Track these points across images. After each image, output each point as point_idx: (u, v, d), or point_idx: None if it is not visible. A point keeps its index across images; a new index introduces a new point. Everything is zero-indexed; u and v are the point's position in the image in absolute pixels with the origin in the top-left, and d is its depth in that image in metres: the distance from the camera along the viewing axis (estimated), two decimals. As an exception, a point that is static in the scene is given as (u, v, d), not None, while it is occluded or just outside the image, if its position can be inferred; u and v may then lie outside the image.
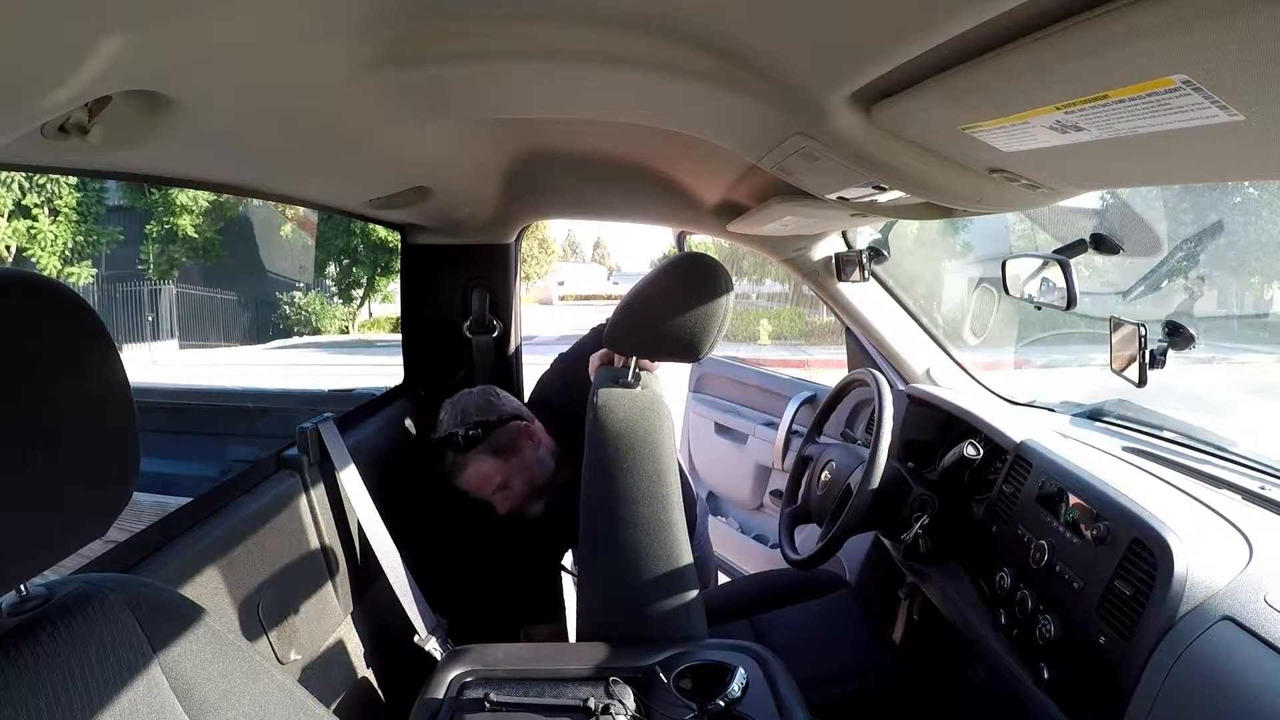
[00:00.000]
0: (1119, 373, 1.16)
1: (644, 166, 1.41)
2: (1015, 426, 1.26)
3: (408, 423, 1.52)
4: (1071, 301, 1.14)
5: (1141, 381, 1.11)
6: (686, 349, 1.09)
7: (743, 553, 2.27)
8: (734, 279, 1.11)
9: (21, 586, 0.53)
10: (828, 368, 5.74)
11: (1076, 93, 0.46)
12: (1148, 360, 1.10)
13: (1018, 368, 5.38)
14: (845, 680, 1.35)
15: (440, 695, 0.94)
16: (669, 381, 1.24)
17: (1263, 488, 0.99)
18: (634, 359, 1.14)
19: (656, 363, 1.22)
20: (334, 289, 15.50)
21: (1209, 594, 0.77)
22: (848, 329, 1.80)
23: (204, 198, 12.26)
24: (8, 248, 10.75)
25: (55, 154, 0.61)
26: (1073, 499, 0.99)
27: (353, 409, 1.39)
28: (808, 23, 0.53)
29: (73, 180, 10.91)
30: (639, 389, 1.10)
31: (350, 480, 1.16)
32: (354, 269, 14.86)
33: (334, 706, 1.06)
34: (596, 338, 1.47)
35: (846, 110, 0.66)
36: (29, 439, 0.46)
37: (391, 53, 0.63)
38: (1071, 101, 0.47)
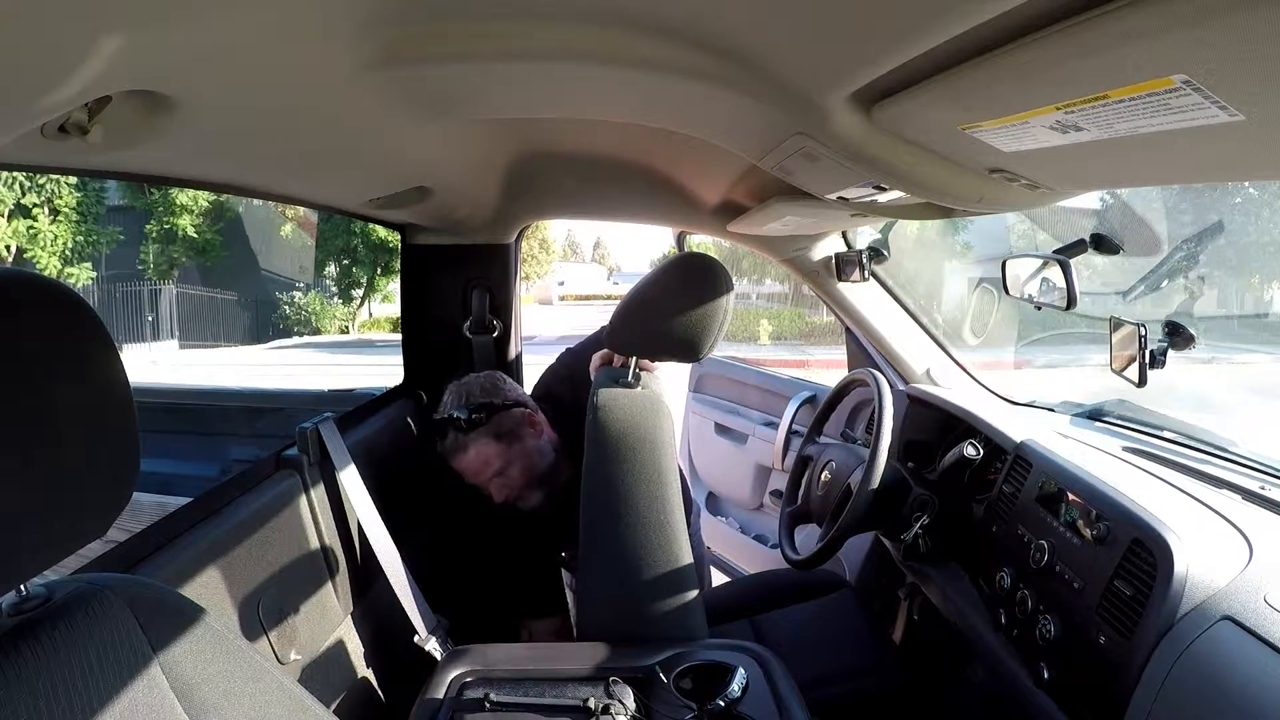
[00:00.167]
0: (1119, 373, 1.16)
1: (644, 166, 1.41)
2: (1015, 426, 1.26)
3: (408, 423, 1.52)
4: (1071, 301, 1.14)
5: (1141, 381, 1.11)
6: (686, 349, 1.09)
7: (743, 553, 2.27)
8: (734, 279, 1.11)
9: (21, 586, 0.53)
10: (828, 368, 5.74)
11: (1076, 93, 0.46)
12: (1148, 360, 1.10)
13: (1018, 368, 5.38)
14: (845, 680, 1.35)
15: (440, 695, 0.94)
16: (669, 381, 1.23)
17: (1263, 488, 0.99)
18: (634, 359, 1.14)
19: (656, 363, 1.22)
20: (334, 289, 15.50)
21: (1209, 594, 0.77)
22: (848, 329, 1.80)
23: (204, 198, 12.26)
24: (7, 247, 10.75)
25: (55, 154, 0.61)
26: (1073, 499, 0.99)
27: (353, 409, 1.39)
28: (808, 23, 0.53)
29: (73, 180, 10.91)
30: (639, 389, 1.10)
31: (350, 480, 1.16)
32: (354, 269, 14.87)
33: (334, 706, 1.06)
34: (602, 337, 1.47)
35: (846, 110, 0.66)
36: (29, 439, 0.46)
37: (391, 53, 0.63)
38: (1071, 101, 0.47)
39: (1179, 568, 0.78)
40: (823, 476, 1.39)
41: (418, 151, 1.00)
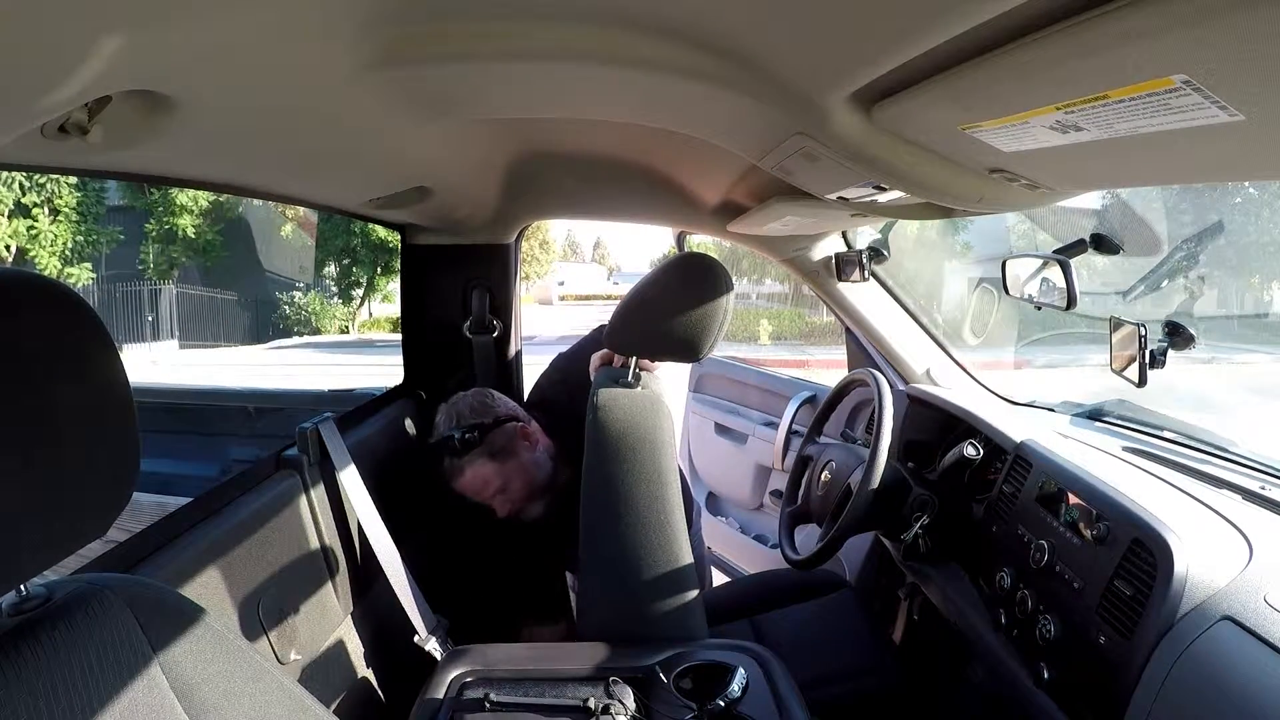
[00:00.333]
0: (1119, 373, 1.16)
1: (644, 166, 1.41)
2: (1015, 426, 1.26)
3: (408, 423, 1.52)
4: (1071, 301, 1.14)
5: (1141, 381, 1.11)
6: (686, 349, 1.09)
7: (743, 553, 2.27)
8: (734, 279, 1.11)
9: (21, 586, 0.53)
10: (828, 368, 5.74)
11: (1076, 93, 0.46)
12: (1148, 360, 1.10)
13: (1018, 368, 5.38)
14: (845, 680, 1.35)
15: (440, 695, 0.94)
16: (669, 381, 1.23)
17: (1263, 488, 0.99)
18: (634, 359, 1.14)
19: (656, 363, 1.22)
20: (334, 289, 15.51)
21: (1209, 594, 0.77)
22: (848, 329, 1.80)
23: (204, 198, 12.26)
24: (7, 247, 10.75)
25: (55, 154, 0.61)
26: (1073, 499, 0.99)
27: (353, 409, 1.39)
28: (808, 23, 0.53)
29: (73, 180, 10.91)
30: (639, 389, 1.10)
31: (350, 480, 1.16)
32: (354, 269, 14.87)
33: (334, 706, 1.06)
34: (597, 338, 1.47)
35: (846, 110, 0.66)
36: (29, 439, 0.46)
37: (391, 53, 0.63)
38: (1071, 101, 0.47)
39: (1179, 568, 0.78)
40: (823, 476, 1.39)
41: (418, 151, 1.00)
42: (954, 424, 1.45)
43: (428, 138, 0.93)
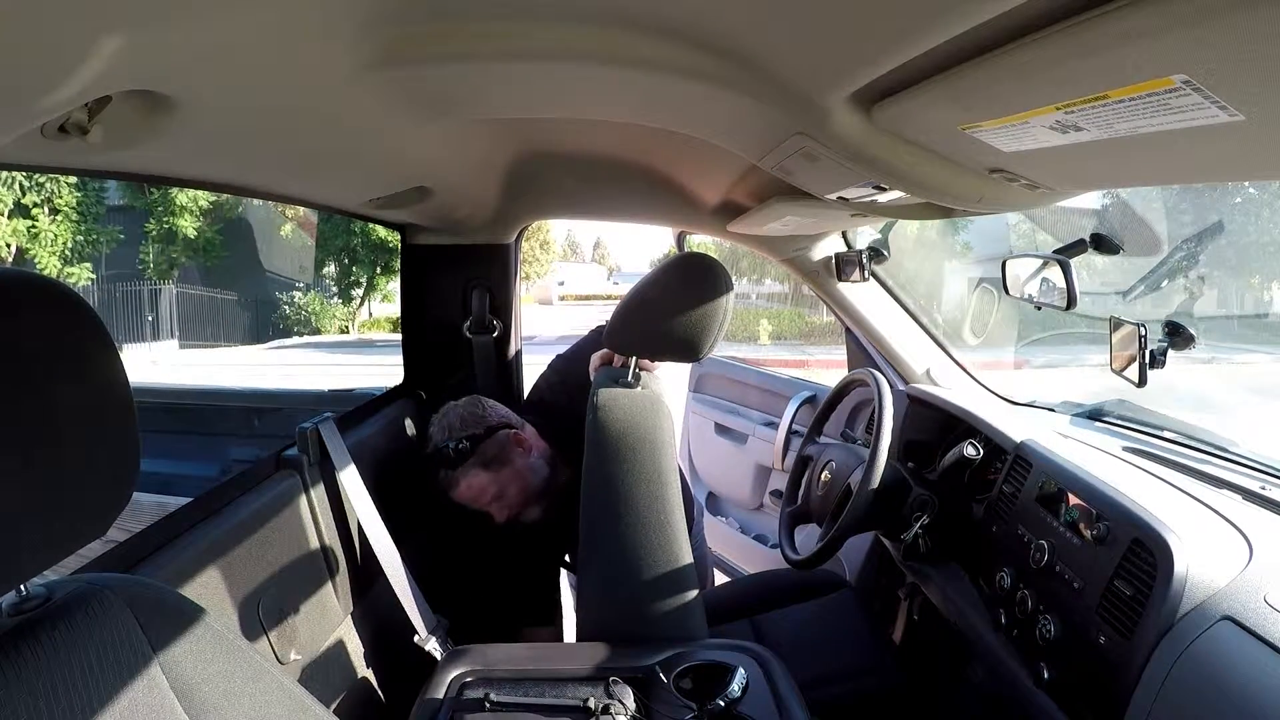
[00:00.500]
0: (1119, 373, 1.16)
1: (644, 166, 1.41)
2: (1015, 426, 1.26)
3: (408, 423, 1.52)
4: (1071, 301, 1.14)
5: (1141, 381, 1.11)
6: (686, 349, 1.09)
7: (743, 553, 2.27)
8: (734, 279, 1.11)
9: (21, 586, 0.53)
10: (828, 368, 5.74)
11: (1076, 93, 0.46)
12: (1148, 360, 1.10)
13: (1018, 368, 5.39)
14: (845, 680, 1.35)
15: (440, 695, 0.94)
16: (669, 381, 1.23)
17: (1263, 488, 0.99)
18: (634, 359, 1.14)
19: (656, 363, 1.22)
20: (334, 289, 15.51)
21: (1209, 594, 0.77)
22: (848, 329, 1.80)
23: (204, 198, 12.27)
24: (7, 246, 10.75)
25: (55, 154, 0.61)
26: (1073, 499, 0.99)
27: (353, 409, 1.39)
28: (808, 23, 0.53)
29: (73, 180, 10.92)
30: (639, 389, 1.10)
31: (350, 480, 1.16)
32: (354, 269, 14.87)
33: (334, 706, 1.06)
34: (596, 338, 1.47)
35: (846, 110, 0.66)
36: (29, 439, 0.46)
37: (391, 53, 0.63)
38: (1071, 101, 0.47)
39: (1179, 568, 0.78)
40: (823, 476, 1.39)
41: (418, 151, 1.00)
42: (954, 424, 1.45)
43: (428, 138, 0.93)
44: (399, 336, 1.70)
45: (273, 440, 4.09)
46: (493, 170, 1.35)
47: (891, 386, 1.38)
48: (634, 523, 1.04)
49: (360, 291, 15.42)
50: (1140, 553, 0.84)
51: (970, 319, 1.92)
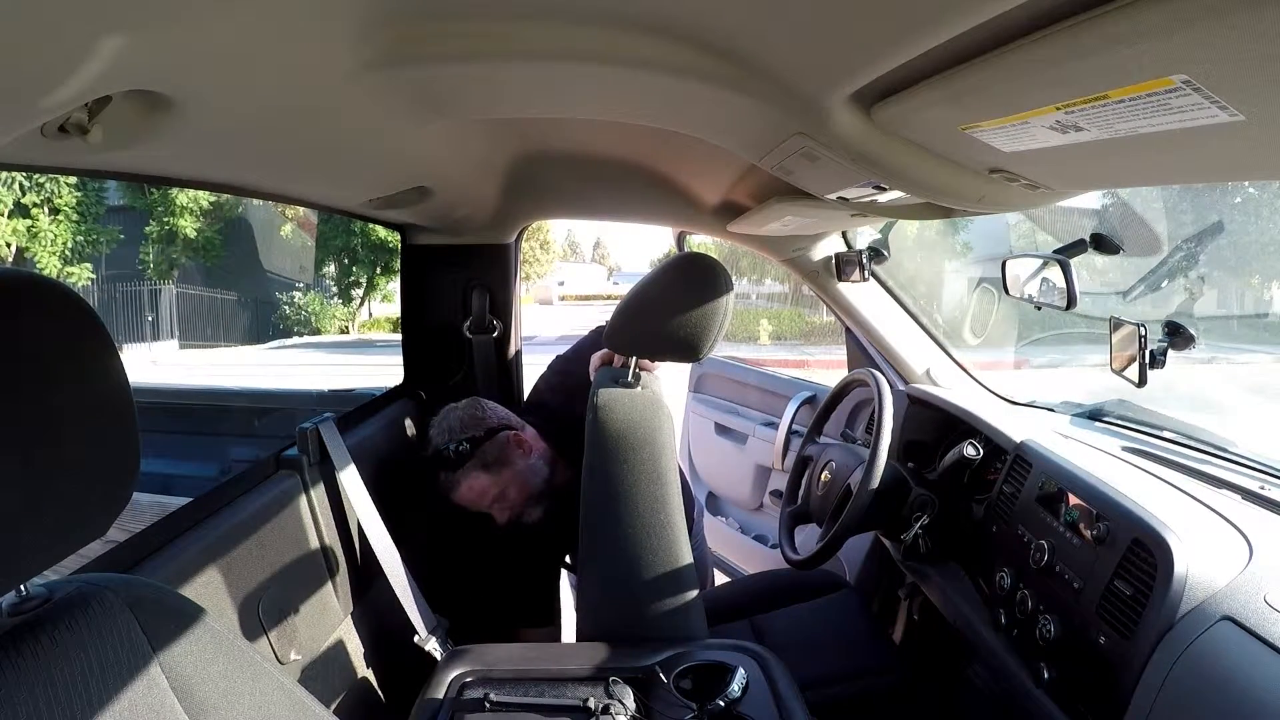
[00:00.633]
0: (1119, 373, 1.16)
1: (644, 166, 1.41)
2: (1015, 426, 1.26)
3: (408, 423, 1.52)
4: (1071, 301, 1.14)
5: (1141, 381, 1.11)
6: (686, 349, 1.09)
7: (743, 553, 2.27)
8: (734, 279, 1.11)
9: (21, 586, 0.53)
10: (828, 368, 5.74)
11: (1076, 93, 0.46)
12: (1148, 360, 1.10)
13: (1018, 368, 5.39)
14: (845, 680, 1.35)
15: (440, 695, 0.94)
16: (669, 381, 1.23)
17: (1263, 488, 0.99)
18: (634, 359, 1.14)
19: (656, 363, 1.22)
20: (334, 289, 15.51)
21: (1209, 594, 0.77)
22: (848, 329, 1.80)
23: (204, 198, 12.27)
24: (8, 245, 10.75)
25: (55, 154, 0.61)
26: (1073, 499, 0.99)
27: (353, 409, 1.39)
28: (808, 23, 0.53)
29: (73, 180, 10.91)
30: (639, 389, 1.10)
31: (350, 480, 1.16)
32: (354, 269, 14.87)
33: (334, 706, 1.06)
34: (595, 339, 1.47)
35: (846, 110, 0.66)
36: (29, 439, 0.46)
37: (391, 53, 0.63)
38: (1071, 101, 0.47)
39: (1179, 568, 0.78)
40: (823, 476, 1.39)
41: (418, 151, 1.00)
42: (954, 424, 1.45)
43: (428, 138, 0.93)
44: (399, 336, 1.70)
45: (273, 440, 4.10)
46: (493, 170, 1.35)
47: (891, 386, 1.38)
48: (634, 523, 1.04)
49: (360, 291, 15.42)
50: (1140, 553, 0.84)
51: (970, 319, 1.92)
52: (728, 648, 1.02)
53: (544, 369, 1.60)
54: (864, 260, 1.61)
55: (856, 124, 0.68)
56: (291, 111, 0.69)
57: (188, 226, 12.46)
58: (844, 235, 1.68)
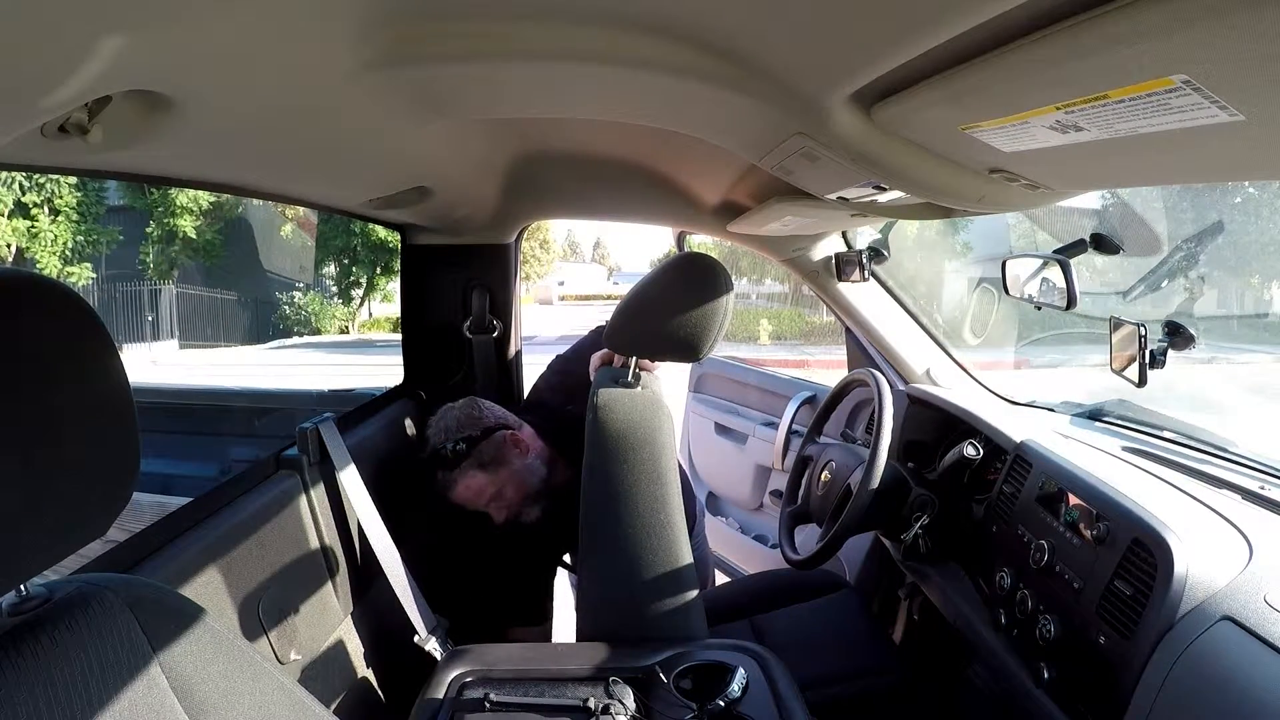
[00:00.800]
0: (1119, 373, 1.16)
1: (644, 166, 1.41)
2: (1015, 426, 1.26)
3: (407, 423, 1.52)
4: (1071, 301, 1.14)
5: (1141, 381, 1.11)
6: (686, 349, 1.09)
7: (743, 553, 2.27)
8: (734, 279, 1.11)
9: (21, 586, 0.53)
10: (828, 368, 5.74)
11: (1076, 93, 0.46)
12: (1148, 360, 1.10)
13: (1018, 368, 5.39)
14: (845, 680, 1.35)
15: (440, 695, 0.94)
16: (669, 381, 1.23)
17: (1263, 488, 0.99)
18: (634, 359, 1.14)
19: (656, 363, 1.22)
20: (334, 289, 15.51)
21: (1209, 594, 0.77)
22: (848, 329, 1.80)
23: (204, 198, 12.27)
24: (8, 245, 10.75)
25: (55, 154, 0.61)
26: (1073, 499, 0.99)
27: (353, 409, 1.39)
28: (808, 23, 0.53)
29: (73, 180, 10.91)
30: (639, 389, 1.10)
31: (350, 480, 1.16)
32: (353, 269, 14.87)
33: (334, 706, 1.06)
34: (595, 339, 1.47)
35: (846, 110, 0.66)
36: (29, 439, 0.46)
37: (391, 53, 0.63)
38: (1071, 101, 0.47)
39: (1179, 568, 0.78)
40: (823, 476, 1.39)
41: (418, 151, 1.00)
42: (954, 424, 1.45)
43: (428, 138, 0.93)
44: (399, 336, 1.70)
45: (273, 440, 4.10)
46: (493, 170, 1.35)
47: (891, 386, 1.38)
48: (634, 523, 1.04)
49: (360, 292, 15.42)
50: (1140, 553, 0.84)
51: (970, 319, 1.92)
52: (728, 648, 1.02)
53: (544, 369, 1.60)
54: (864, 260, 1.61)
55: (856, 124, 0.67)
56: (291, 111, 0.69)
57: (188, 226, 12.46)
58: (844, 235, 1.68)
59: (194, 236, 12.61)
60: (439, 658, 1.10)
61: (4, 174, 9.76)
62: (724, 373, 2.49)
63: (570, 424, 1.24)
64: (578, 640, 1.08)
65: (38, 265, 10.67)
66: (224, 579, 0.87)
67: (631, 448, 1.05)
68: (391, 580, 1.17)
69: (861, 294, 1.69)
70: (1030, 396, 1.56)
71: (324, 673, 1.05)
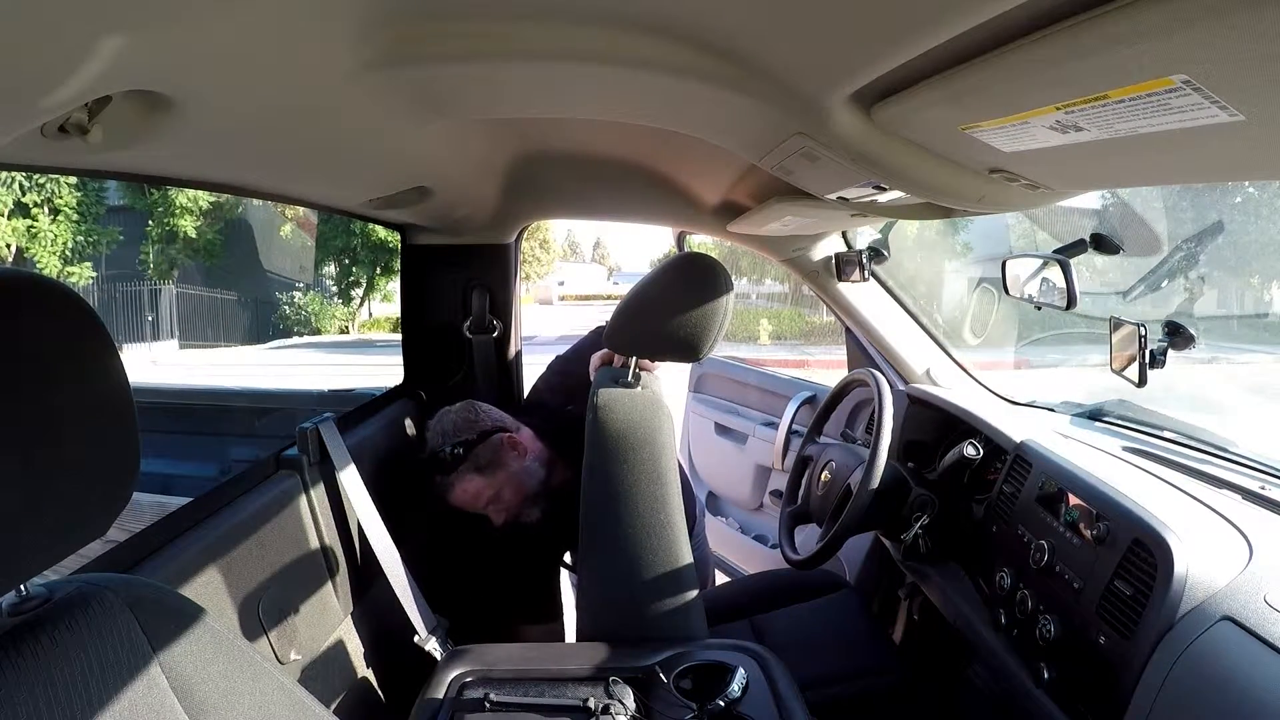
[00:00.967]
0: (1119, 373, 1.16)
1: (644, 166, 1.41)
2: (1015, 426, 1.26)
3: (408, 423, 1.52)
4: (1071, 301, 1.14)
5: (1141, 381, 1.11)
6: (686, 349, 1.09)
7: (743, 553, 2.27)
8: (734, 279, 1.11)
9: (21, 586, 0.53)
10: (828, 368, 5.74)
11: (1076, 93, 0.46)
12: (1148, 360, 1.10)
13: (1018, 368, 5.39)
14: (845, 680, 1.35)
15: (440, 695, 0.94)
16: (669, 381, 1.23)
17: (1263, 488, 0.99)
18: (634, 359, 1.14)
19: (656, 363, 1.22)
20: (334, 289, 15.51)
21: (1209, 594, 0.77)
22: (848, 329, 1.80)
23: (204, 198, 12.27)
24: (8, 246, 10.74)
25: (55, 154, 0.61)
26: (1073, 499, 0.99)
27: (353, 409, 1.39)
28: (808, 23, 0.53)
29: (73, 180, 10.91)
30: (639, 389, 1.10)
31: (350, 480, 1.16)
32: (353, 269, 14.87)
33: (334, 706, 1.06)
34: (595, 339, 1.47)
35: (846, 110, 0.66)
36: (29, 439, 0.46)
37: (391, 53, 0.63)
38: (1071, 101, 0.47)
39: (1179, 568, 0.78)
40: (823, 476, 1.39)
41: (418, 151, 1.00)
42: (954, 424, 1.45)
43: (428, 138, 0.93)
44: (399, 336, 1.70)
45: (273, 440, 4.10)
46: (493, 170, 1.35)
47: (891, 386, 1.38)
48: (634, 523, 1.04)
49: (360, 292, 15.41)
50: (1140, 553, 0.84)
51: (970, 319, 1.92)
52: (728, 648, 1.02)
53: (544, 369, 1.60)
54: (864, 260, 1.61)
55: (856, 124, 0.67)
56: (291, 111, 0.69)
57: (188, 226, 12.46)
58: (844, 235, 1.68)
59: (194, 236, 12.60)
60: (439, 658, 1.10)
61: (4, 174, 9.75)
62: (724, 373, 2.49)
63: (569, 425, 1.24)
64: (578, 640, 1.08)
65: (38, 265, 10.67)
66: (224, 579, 0.87)
67: (631, 448, 1.05)
68: (391, 580, 1.17)
69: (861, 294, 1.69)
70: (1030, 396, 1.56)
71: (324, 673, 1.05)
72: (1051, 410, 1.48)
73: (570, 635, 1.20)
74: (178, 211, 12.35)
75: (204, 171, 0.90)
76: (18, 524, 0.46)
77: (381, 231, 11.99)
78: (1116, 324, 1.15)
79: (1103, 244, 1.16)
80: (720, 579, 2.08)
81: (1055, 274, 1.17)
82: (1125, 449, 1.18)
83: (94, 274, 11.78)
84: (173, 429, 4.54)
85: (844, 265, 1.66)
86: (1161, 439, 1.25)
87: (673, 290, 1.09)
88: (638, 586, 1.05)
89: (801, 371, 4.81)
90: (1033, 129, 0.54)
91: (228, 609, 0.87)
